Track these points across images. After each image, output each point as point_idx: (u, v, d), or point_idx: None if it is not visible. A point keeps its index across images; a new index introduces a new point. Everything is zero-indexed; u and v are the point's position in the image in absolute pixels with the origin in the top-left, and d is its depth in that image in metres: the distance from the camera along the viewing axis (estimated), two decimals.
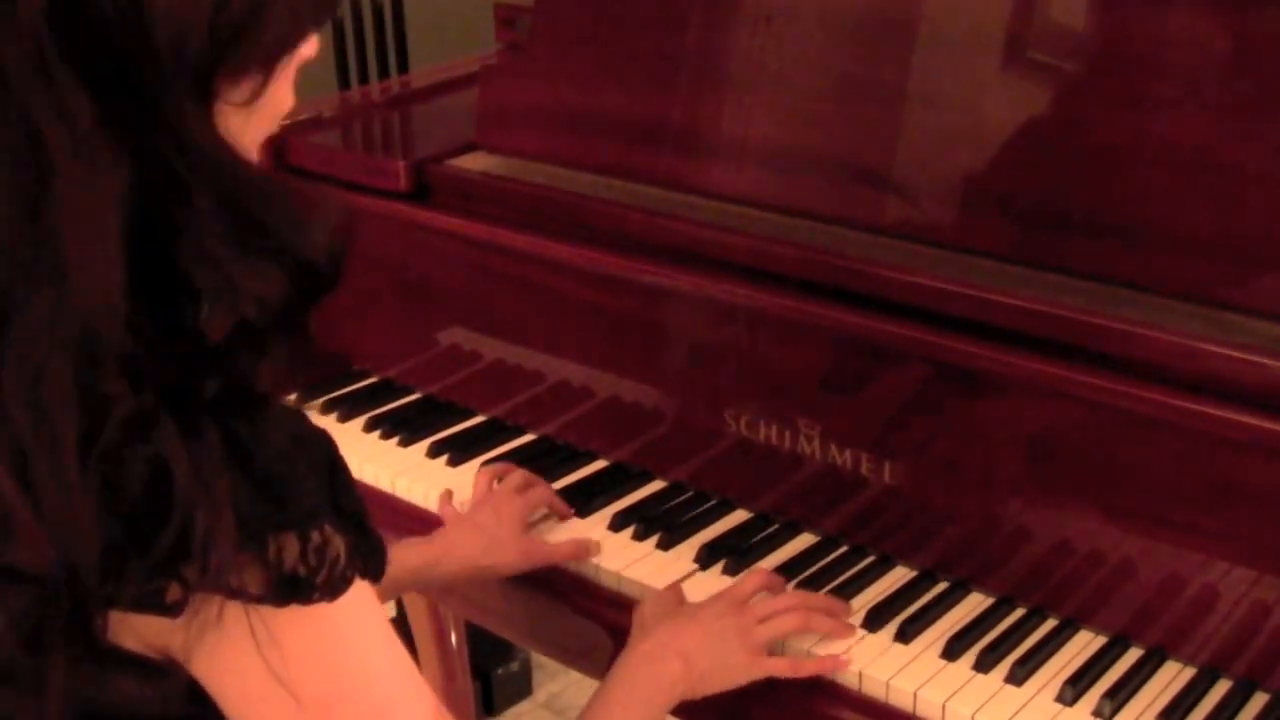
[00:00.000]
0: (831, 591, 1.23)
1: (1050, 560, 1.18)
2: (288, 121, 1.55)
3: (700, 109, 1.38)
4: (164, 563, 0.70)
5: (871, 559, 1.28)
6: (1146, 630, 1.16)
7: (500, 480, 1.36)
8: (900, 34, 1.27)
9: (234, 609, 0.73)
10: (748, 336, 1.31)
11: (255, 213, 0.72)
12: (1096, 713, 1.10)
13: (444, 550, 1.27)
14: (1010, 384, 1.15)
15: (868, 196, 1.28)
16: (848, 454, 1.26)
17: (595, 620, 1.29)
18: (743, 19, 1.36)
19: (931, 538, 1.25)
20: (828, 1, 1.31)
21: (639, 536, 1.34)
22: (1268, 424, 1.04)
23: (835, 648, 1.17)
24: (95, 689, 0.75)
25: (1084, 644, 1.17)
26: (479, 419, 1.54)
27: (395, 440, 1.51)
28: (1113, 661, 1.15)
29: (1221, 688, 1.12)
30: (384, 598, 0.89)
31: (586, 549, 1.30)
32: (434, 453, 1.49)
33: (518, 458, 1.46)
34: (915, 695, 1.13)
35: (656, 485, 1.42)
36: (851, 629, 1.19)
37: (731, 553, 1.30)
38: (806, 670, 1.15)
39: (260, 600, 0.73)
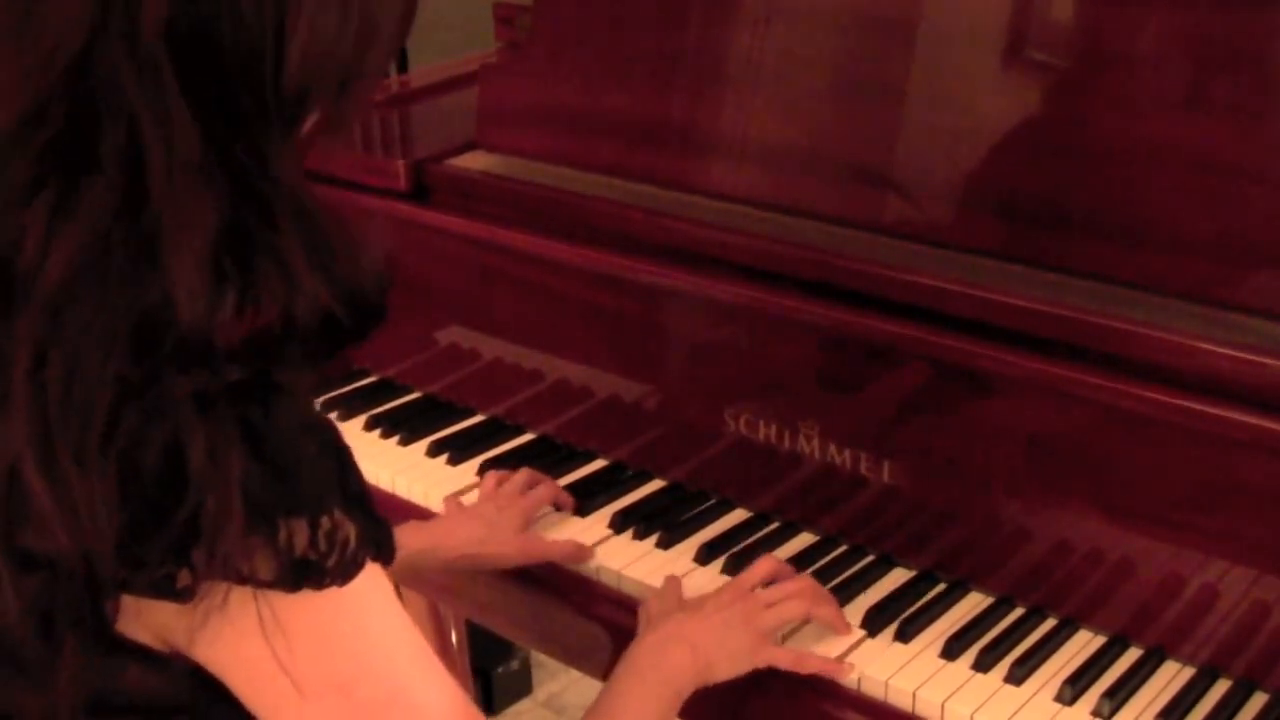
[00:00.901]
0: (831, 591, 1.23)
1: (1050, 560, 1.18)
2: None
3: (700, 108, 1.38)
4: (175, 547, 0.70)
5: (871, 558, 1.28)
6: (1146, 630, 1.16)
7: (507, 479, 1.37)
8: (900, 33, 1.27)
9: (240, 594, 0.73)
10: (747, 336, 1.31)
11: (324, 240, 0.74)
12: (1096, 712, 1.10)
13: (443, 535, 1.28)
14: (1010, 384, 1.15)
15: (868, 196, 1.28)
16: (847, 453, 1.26)
17: (595, 619, 1.29)
18: (743, 18, 1.36)
19: (931, 537, 1.25)
20: (827, 1, 1.31)
21: (639, 536, 1.34)
22: (1268, 424, 1.04)
23: (836, 645, 1.17)
24: (103, 677, 0.76)
25: (1083, 643, 1.17)
26: (478, 418, 1.54)
27: (395, 439, 1.51)
28: (1112, 661, 1.15)
29: (1221, 687, 1.12)
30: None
31: (582, 553, 1.30)
32: (434, 452, 1.49)
33: (517, 457, 1.46)
34: (914, 695, 1.13)
35: (656, 484, 1.42)
36: (848, 625, 1.19)
37: (731, 552, 1.30)
38: (809, 666, 1.15)
39: (271, 585, 0.73)
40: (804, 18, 1.32)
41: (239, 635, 0.75)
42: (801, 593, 1.18)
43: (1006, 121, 1.22)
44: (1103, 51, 1.20)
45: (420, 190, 1.52)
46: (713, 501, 1.38)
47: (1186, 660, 1.14)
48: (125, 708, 0.78)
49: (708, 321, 1.34)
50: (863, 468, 1.25)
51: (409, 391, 1.59)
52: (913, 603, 1.22)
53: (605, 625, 1.28)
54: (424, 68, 2.09)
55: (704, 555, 1.30)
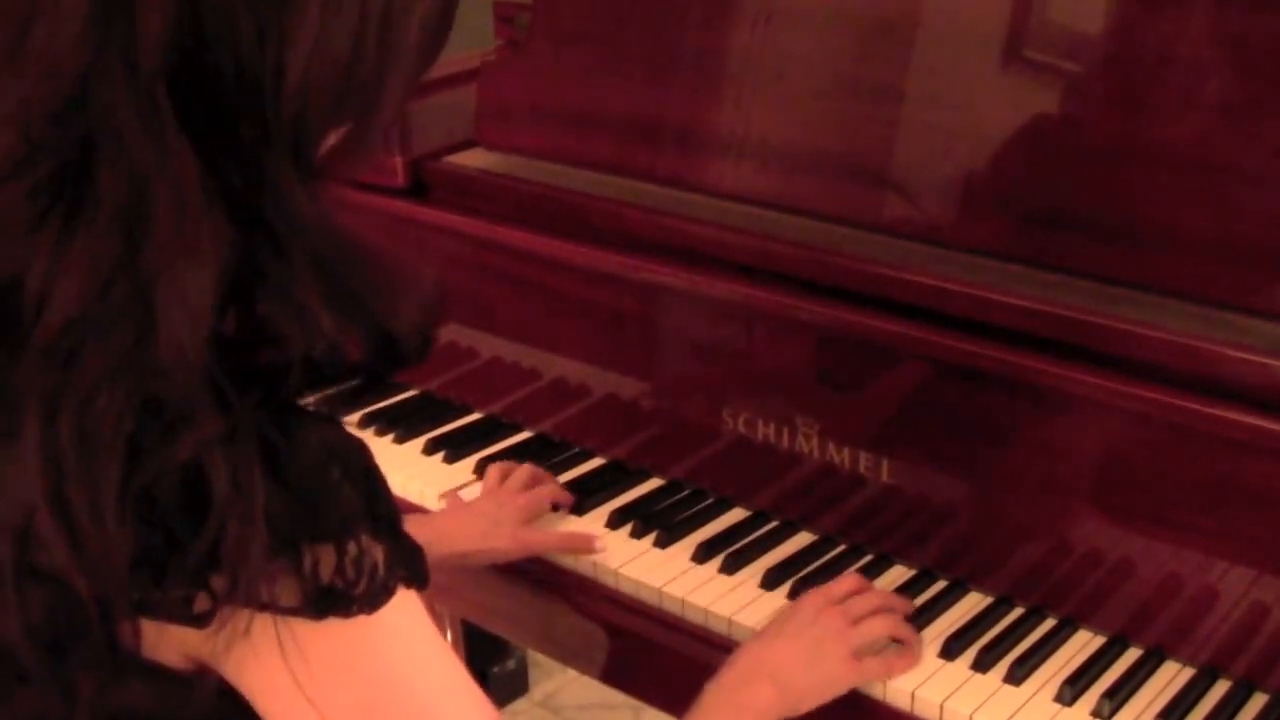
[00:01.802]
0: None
1: (1049, 559, 1.18)
2: None
3: (699, 107, 1.37)
4: (194, 573, 0.69)
5: (869, 558, 1.28)
6: (1146, 630, 1.15)
7: (509, 477, 1.36)
8: (900, 33, 1.27)
9: (263, 620, 0.71)
10: (746, 334, 1.31)
11: (346, 278, 0.71)
12: (1095, 713, 1.10)
13: (441, 531, 1.27)
14: (1009, 383, 1.15)
15: (867, 195, 1.28)
16: (846, 452, 1.26)
17: (592, 618, 1.29)
18: (742, 17, 1.35)
19: (930, 536, 1.25)
20: (827, 0, 1.31)
21: (636, 534, 1.33)
22: (1268, 424, 1.04)
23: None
24: (118, 695, 0.74)
25: (1083, 644, 1.17)
26: (475, 416, 1.54)
27: (390, 437, 1.51)
28: (1112, 661, 1.15)
29: (1221, 688, 1.12)
30: None
31: (585, 542, 1.30)
32: (430, 450, 1.48)
33: (514, 455, 1.46)
34: (913, 695, 1.12)
35: (654, 483, 1.41)
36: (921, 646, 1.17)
37: (729, 551, 1.29)
38: (898, 670, 1.13)
39: (294, 612, 0.71)
40: (803, 16, 1.32)
41: (260, 660, 0.73)
42: (889, 609, 1.16)
43: (1006, 121, 1.21)
44: (1103, 51, 1.20)
45: (418, 187, 1.51)
46: (711, 500, 1.38)
47: (1186, 660, 1.14)
48: None
49: (706, 320, 1.33)
50: (861, 466, 1.25)
51: (405, 389, 1.59)
52: (911, 602, 1.22)
53: (602, 624, 1.28)
54: None
55: (702, 554, 1.30)
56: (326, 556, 0.71)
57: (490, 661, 2.30)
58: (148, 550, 0.68)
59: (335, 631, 0.73)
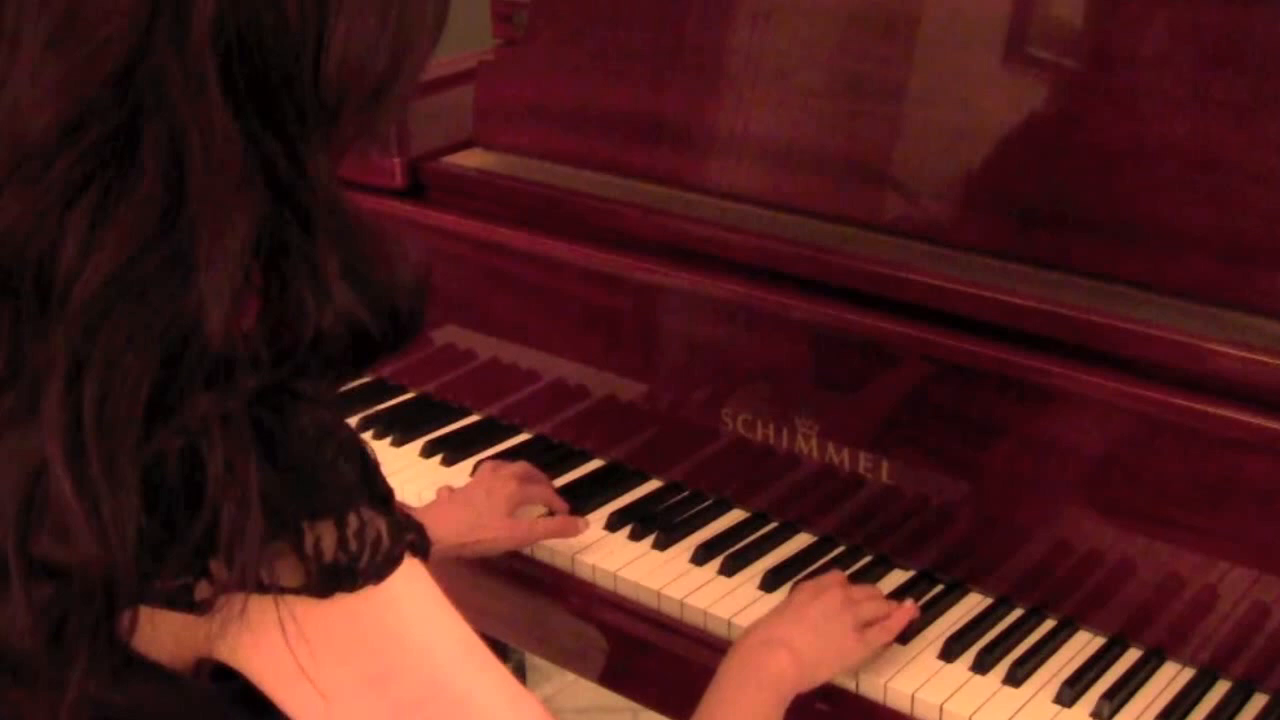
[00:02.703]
0: None
1: (1049, 560, 1.18)
2: None
3: (698, 105, 1.37)
4: (193, 558, 0.69)
5: (869, 559, 1.28)
6: (1145, 631, 1.15)
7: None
8: (899, 30, 1.27)
9: (259, 602, 0.71)
10: (745, 334, 1.30)
11: (356, 251, 0.73)
12: (1095, 714, 1.09)
13: (430, 522, 1.24)
14: (1009, 383, 1.15)
15: (867, 194, 1.28)
16: (845, 453, 1.26)
17: (590, 621, 1.28)
18: (740, 15, 1.35)
19: (929, 537, 1.24)
20: None
21: (635, 536, 1.33)
22: (1268, 424, 1.04)
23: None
24: (114, 692, 0.74)
25: (1082, 644, 1.17)
26: (474, 418, 1.54)
27: (389, 440, 1.50)
28: (1111, 662, 1.15)
29: (1220, 689, 1.12)
30: None
31: (572, 525, 1.30)
32: (428, 452, 1.48)
33: (513, 457, 1.45)
34: (913, 697, 1.12)
35: (653, 484, 1.41)
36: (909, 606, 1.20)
37: (728, 553, 1.29)
38: (897, 630, 1.15)
39: (298, 592, 0.71)
40: (802, 14, 1.31)
41: (258, 642, 0.73)
42: (878, 594, 1.19)
43: (1007, 119, 1.21)
44: (1104, 49, 1.20)
45: (416, 188, 1.51)
46: (710, 501, 1.37)
47: (1186, 661, 1.14)
48: None
49: (705, 320, 1.33)
50: (861, 467, 1.25)
51: (403, 391, 1.58)
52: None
53: (601, 627, 1.27)
54: None
55: (701, 556, 1.29)
56: (328, 533, 0.71)
57: None
58: (150, 537, 0.68)
59: (342, 607, 0.73)
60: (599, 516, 1.36)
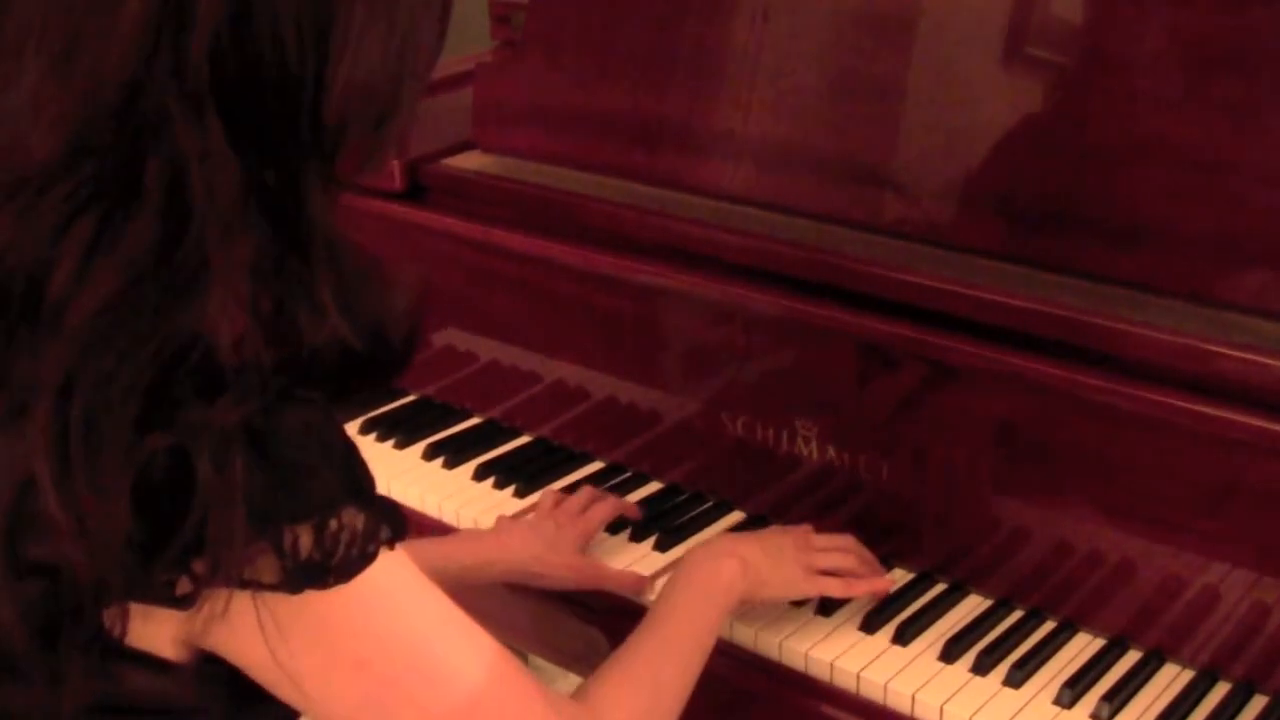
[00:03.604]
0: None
1: (1048, 562, 1.18)
2: None
3: (696, 107, 1.37)
4: (177, 557, 0.70)
5: None
6: (1145, 632, 1.15)
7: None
8: (897, 31, 1.27)
9: (240, 600, 0.73)
10: (744, 336, 1.30)
11: (353, 281, 0.74)
12: (1095, 715, 1.09)
13: (498, 550, 1.24)
14: (1009, 384, 1.15)
15: (865, 195, 1.27)
16: (845, 455, 1.25)
17: (593, 624, 1.28)
18: (739, 16, 1.35)
19: (929, 539, 1.24)
20: None
21: (636, 538, 1.33)
22: (1268, 424, 1.03)
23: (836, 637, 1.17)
24: (106, 682, 0.75)
25: (1082, 646, 1.17)
26: (475, 420, 1.54)
27: (391, 442, 1.51)
28: (1111, 664, 1.15)
29: (1220, 690, 1.12)
30: None
31: (637, 583, 1.26)
32: (430, 455, 1.48)
33: (514, 459, 1.46)
34: (913, 698, 1.12)
35: (653, 486, 1.41)
36: (890, 582, 1.22)
37: None
38: (858, 590, 1.19)
39: (274, 589, 0.73)
40: (800, 15, 1.31)
41: (239, 634, 0.75)
42: (849, 548, 1.22)
43: (1005, 120, 1.21)
44: (1102, 50, 1.19)
45: (415, 190, 1.51)
46: (710, 503, 1.37)
47: (1186, 663, 1.14)
48: (132, 710, 0.78)
49: (704, 322, 1.33)
50: (861, 469, 1.25)
51: (404, 394, 1.58)
52: (911, 604, 1.22)
53: (603, 629, 1.27)
54: None
55: None
56: (306, 534, 0.73)
57: None
58: (136, 537, 0.69)
59: (316, 601, 0.74)
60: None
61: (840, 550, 1.21)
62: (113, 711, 0.77)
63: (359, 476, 0.77)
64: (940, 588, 1.24)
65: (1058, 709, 1.10)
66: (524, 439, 1.50)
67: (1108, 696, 1.10)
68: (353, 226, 0.77)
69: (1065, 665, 1.15)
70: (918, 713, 1.12)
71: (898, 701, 1.13)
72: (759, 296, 1.27)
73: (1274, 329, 1.08)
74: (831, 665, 1.16)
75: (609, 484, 1.41)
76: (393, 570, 0.78)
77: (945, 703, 1.11)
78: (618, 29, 1.43)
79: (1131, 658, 1.15)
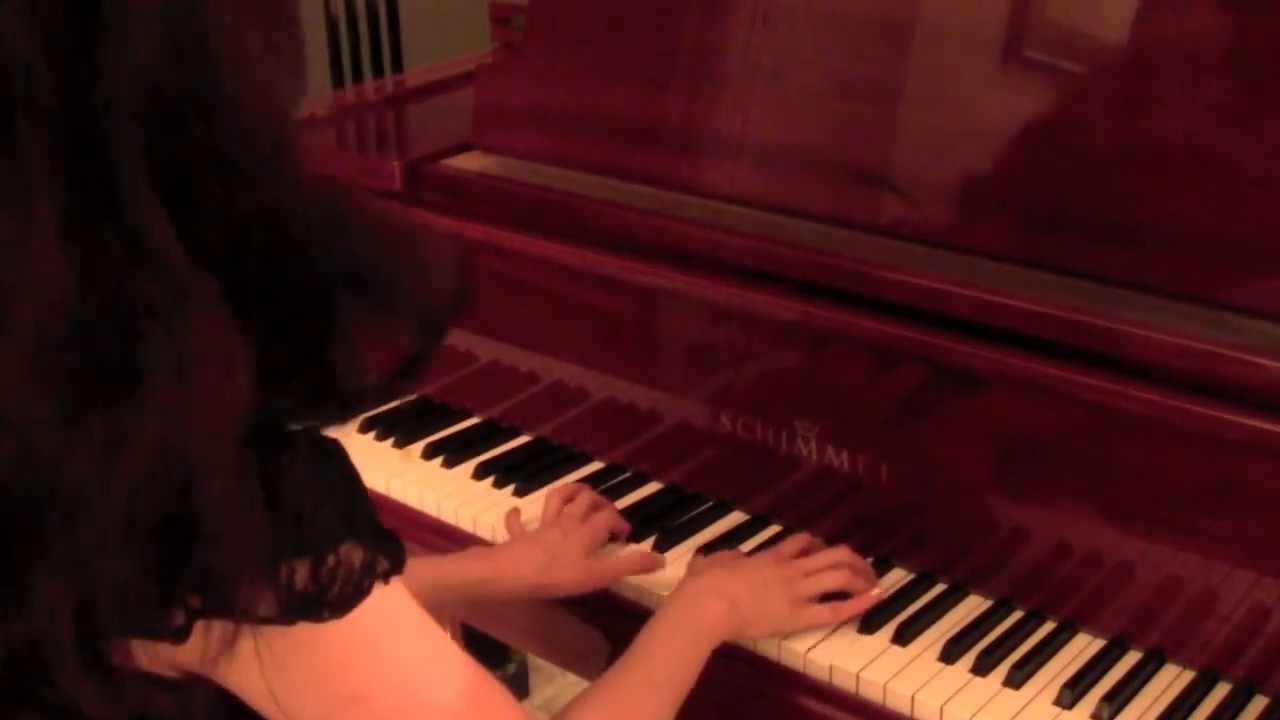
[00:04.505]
0: (829, 594, 1.22)
1: (1049, 562, 1.18)
2: None
3: (697, 108, 1.37)
4: (174, 595, 0.70)
5: (869, 561, 1.28)
6: (1145, 633, 1.15)
7: (570, 501, 1.33)
8: (897, 33, 1.27)
9: (240, 631, 0.72)
10: (744, 337, 1.30)
11: (379, 270, 0.73)
12: (1095, 716, 1.09)
13: (508, 565, 1.24)
14: (1009, 385, 1.15)
15: (865, 196, 1.27)
16: (845, 455, 1.25)
17: (592, 623, 1.28)
18: (739, 17, 1.35)
19: (929, 539, 1.24)
20: (824, 1, 1.30)
21: (636, 538, 1.33)
22: (1268, 424, 1.03)
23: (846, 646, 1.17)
24: (112, 706, 0.74)
25: (1082, 647, 1.17)
26: (474, 420, 1.54)
27: (390, 442, 1.51)
28: (1111, 664, 1.15)
29: (1221, 690, 1.12)
30: (435, 611, 0.88)
31: (651, 562, 1.28)
32: (429, 454, 1.48)
33: (513, 459, 1.46)
34: (913, 699, 1.12)
35: (653, 487, 1.41)
36: (881, 593, 1.22)
37: None
38: (845, 614, 1.19)
39: (269, 621, 0.72)
40: (801, 17, 1.31)
41: (236, 668, 0.75)
42: (839, 564, 1.21)
43: (1006, 121, 1.21)
44: (1102, 51, 1.19)
45: (415, 191, 1.51)
46: (710, 504, 1.37)
47: (1186, 663, 1.14)
48: None
49: (704, 322, 1.33)
50: (861, 469, 1.25)
51: (403, 394, 1.58)
52: (911, 605, 1.22)
53: (602, 629, 1.27)
54: (419, 68, 2.09)
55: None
56: (303, 569, 0.73)
57: (490, 665, 2.29)
58: (134, 581, 0.68)
59: (310, 633, 0.74)
60: None
61: (831, 568, 1.20)
62: None
63: (360, 512, 0.76)
64: (940, 588, 1.24)
65: (1058, 710, 1.10)
66: (523, 439, 1.50)
67: (1108, 697, 1.10)
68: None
69: (1065, 666, 1.15)
70: (917, 713, 1.12)
71: (897, 702, 1.13)
72: (759, 297, 1.27)
73: (1274, 330, 1.08)
74: (831, 666, 1.16)
75: (609, 484, 1.41)
76: (388, 603, 0.78)
77: (945, 703, 1.11)
78: (617, 30, 1.43)
79: (1132, 658, 1.15)
